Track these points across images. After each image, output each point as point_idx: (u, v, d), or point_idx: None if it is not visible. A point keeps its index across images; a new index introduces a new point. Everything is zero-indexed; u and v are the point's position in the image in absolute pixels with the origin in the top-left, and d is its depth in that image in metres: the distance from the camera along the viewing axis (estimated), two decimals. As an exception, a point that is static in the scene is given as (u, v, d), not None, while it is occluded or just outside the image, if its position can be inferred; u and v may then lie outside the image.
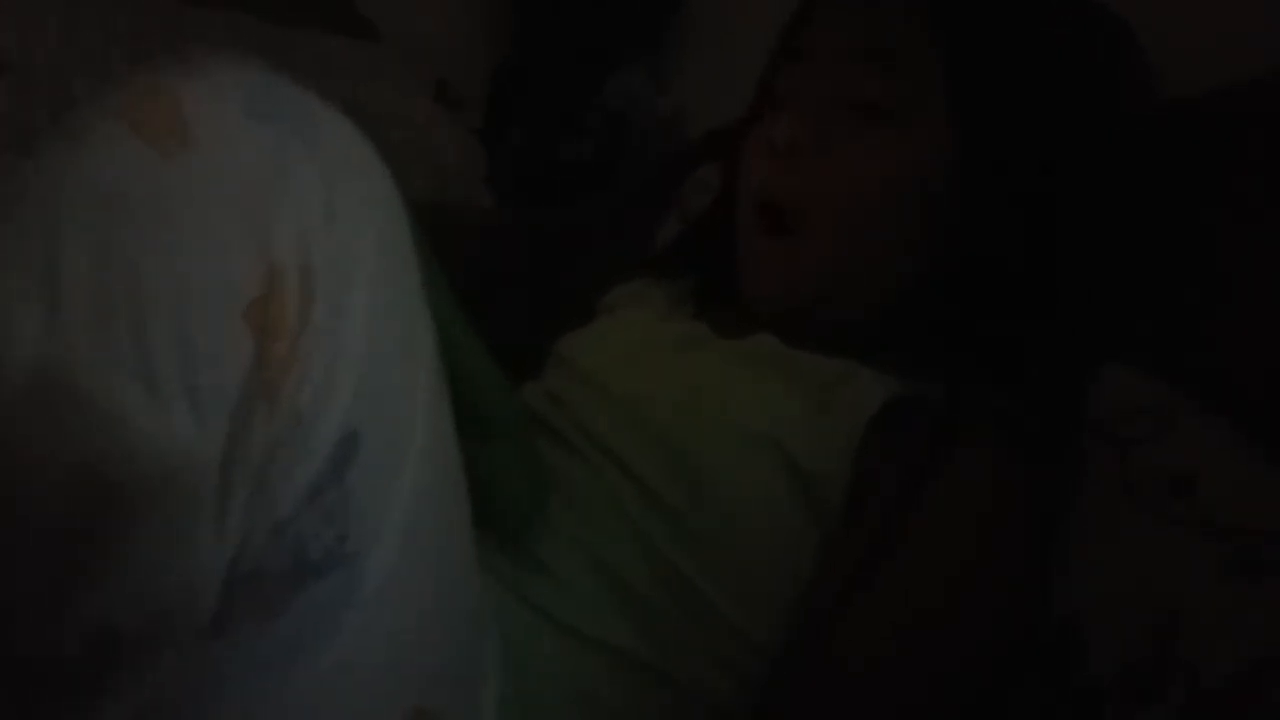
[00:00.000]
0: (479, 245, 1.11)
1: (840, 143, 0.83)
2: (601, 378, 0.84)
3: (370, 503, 0.56)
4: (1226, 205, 0.82)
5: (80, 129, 0.52)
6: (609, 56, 1.47)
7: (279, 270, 0.52)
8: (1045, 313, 0.82)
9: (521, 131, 1.46)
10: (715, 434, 0.77)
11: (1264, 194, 0.80)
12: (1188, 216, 0.83)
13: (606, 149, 1.44)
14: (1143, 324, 0.81)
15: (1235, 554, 0.68)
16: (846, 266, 0.84)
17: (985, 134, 0.81)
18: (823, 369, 0.80)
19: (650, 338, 0.88)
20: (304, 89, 0.57)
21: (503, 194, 1.38)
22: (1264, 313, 0.77)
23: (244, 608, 0.54)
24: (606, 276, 1.02)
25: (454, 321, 0.68)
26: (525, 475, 0.75)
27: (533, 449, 0.77)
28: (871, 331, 0.84)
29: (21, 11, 1.19)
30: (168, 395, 0.50)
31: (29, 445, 0.49)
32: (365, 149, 0.58)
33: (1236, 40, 0.90)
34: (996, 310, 0.82)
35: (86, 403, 0.49)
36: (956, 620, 0.73)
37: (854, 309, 0.85)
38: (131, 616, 0.51)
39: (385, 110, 1.31)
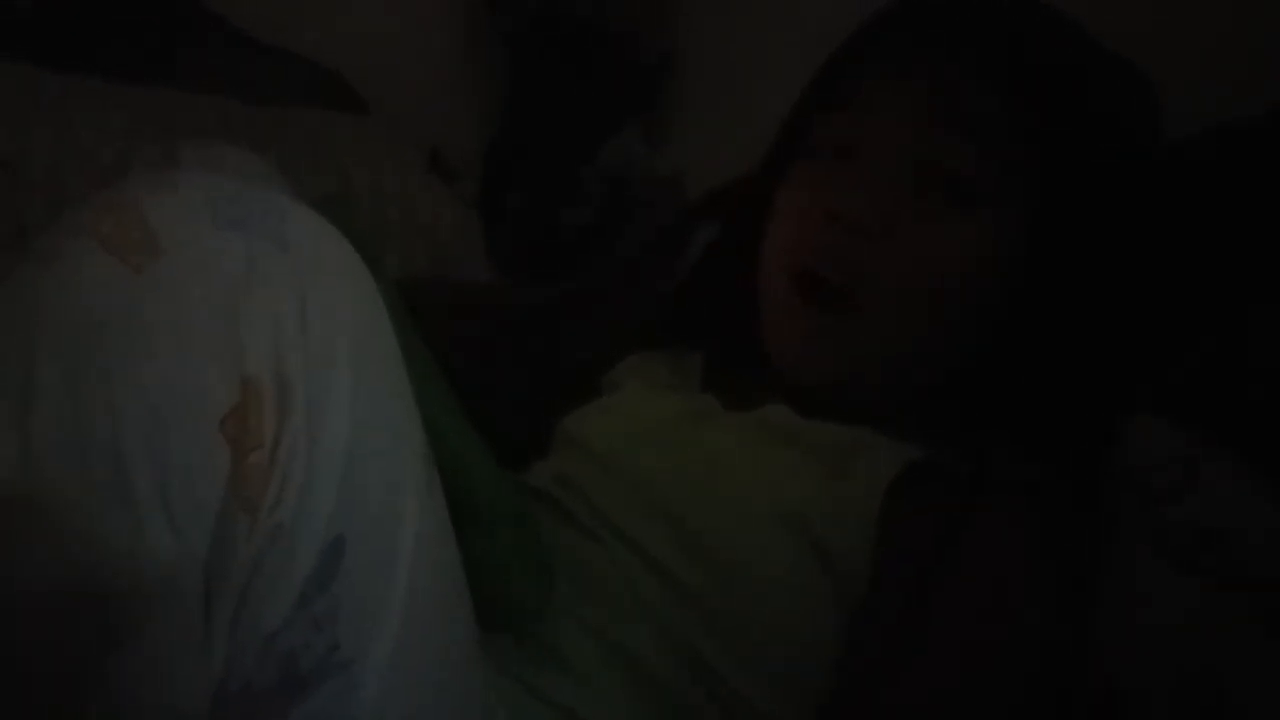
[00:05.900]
0: (479, 322, 1.10)
1: (908, 223, 0.76)
2: (612, 457, 0.82)
3: (360, 608, 0.55)
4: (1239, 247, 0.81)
5: (51, 250, 0.52)
6: (604, 119, 1.47)
7: (253, 380, 0.51)
8: (1084, 382, 0.80)
9: (519, 200, 1.46)
10: (734, 513, 0.75)
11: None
12: (1204, 263, 0.82)
13: (607, 214, 1.44)
14: (1169, 373, 0.79)
15: (1276, 611, 0.66)
16: (899, 349, 0.79)
17: (1068, 223, 0.76)
18: (839, 437, 0.78)
19: (659, 413, 0.86)
20: (273, 190, 0.56)
21: (502, 266, 1.38)
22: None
23: None
24: (612, 349, 1.00)
25: (443, 412, 0.67)
26: (529, 565, 0.73)
27: (535, 538, 0.75)
28: (892, 404, 0.82)
29: (16, 109, 1.20)
30: (145, 515, 0.49)
31: (3, 574, 0.48)
32: (339, 245, 0.57)
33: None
34: (1048, 387, 0.79)
35: (62, 528, 0.48)
36: (992, 698, 0.70)
37: (898, 390, 0.82)
38: None
39: (380, 187, 1.31)
